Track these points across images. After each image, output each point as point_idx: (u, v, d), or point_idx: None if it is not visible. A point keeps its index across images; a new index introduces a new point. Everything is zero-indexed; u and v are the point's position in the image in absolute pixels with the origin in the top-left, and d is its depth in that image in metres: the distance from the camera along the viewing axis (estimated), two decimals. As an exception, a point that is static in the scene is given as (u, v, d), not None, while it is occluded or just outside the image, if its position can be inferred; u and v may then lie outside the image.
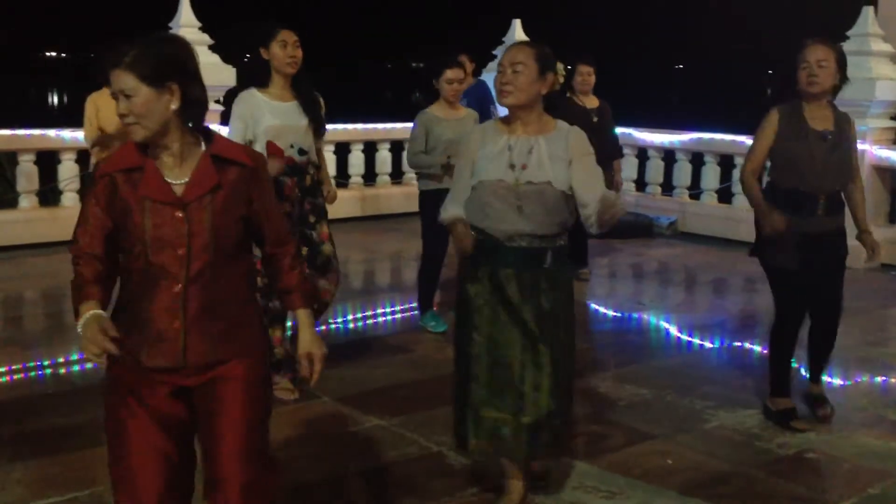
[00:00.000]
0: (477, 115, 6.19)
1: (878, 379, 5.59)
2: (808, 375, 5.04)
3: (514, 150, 3.59)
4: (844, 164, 4.62)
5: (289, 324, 5.04)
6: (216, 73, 8.93)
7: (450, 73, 5.97)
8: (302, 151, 4.94)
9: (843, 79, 4.63)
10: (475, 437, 3.67)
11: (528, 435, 3.61)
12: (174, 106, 2.60)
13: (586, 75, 7.60)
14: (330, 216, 5.26)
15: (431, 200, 5.63)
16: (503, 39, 11.14)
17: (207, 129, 2.72)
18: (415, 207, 6.45)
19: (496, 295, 3.63)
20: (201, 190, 2.62)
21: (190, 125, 2.66)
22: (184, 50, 2.66)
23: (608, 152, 7.39)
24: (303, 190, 4.98)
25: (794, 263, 4.60)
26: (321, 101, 5.13)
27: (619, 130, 10.82)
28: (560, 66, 3.84)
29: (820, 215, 4.59)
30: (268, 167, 3.02)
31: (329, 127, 5.42)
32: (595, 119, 7.44)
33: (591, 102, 7.67)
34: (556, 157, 3.56)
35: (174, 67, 2.61)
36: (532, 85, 3.55)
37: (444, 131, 5.96)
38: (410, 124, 6.26)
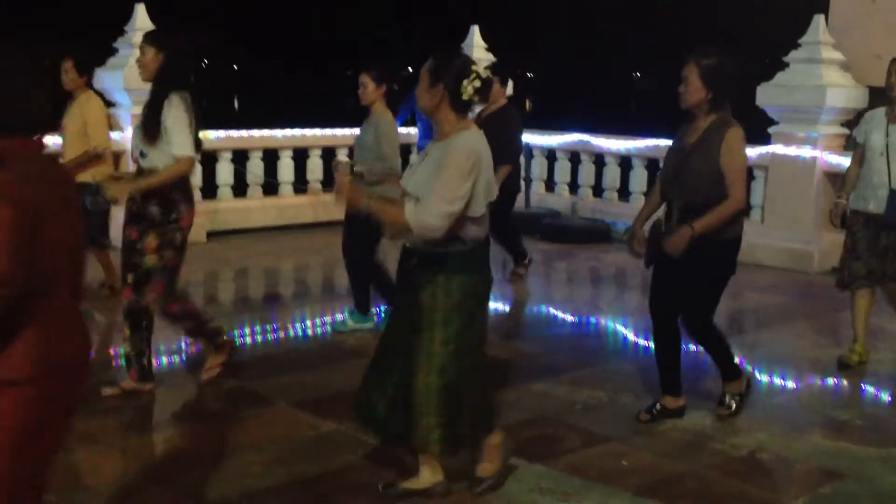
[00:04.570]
0: (384, 119, 6.16)
1: (830, 381, 5.69)
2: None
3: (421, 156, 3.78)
4: (701, 175, 4.55)
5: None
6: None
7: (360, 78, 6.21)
8: (142, 154, 4.91)
9: (715, 90, 4.53)
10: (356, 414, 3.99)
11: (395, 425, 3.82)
12: None
13: None
14: (288, 222, 5.20)
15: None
16: (462, 45, 11.17)
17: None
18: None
19: (396, 298, 3.91)
20: None
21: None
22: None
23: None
24: (141, 194, 4.89)
25: (648, 263, 4.82)
26: (170, 107, 4.78)
27: (576, 137, 10.99)
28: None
29: (674, 223, 4.64)
30: None
31: (287, 132, 5.40)
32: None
33: (488, 109, 7.55)
34: (429, 165, 3.64)
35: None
36: (423, 95, 3.68)
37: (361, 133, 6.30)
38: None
